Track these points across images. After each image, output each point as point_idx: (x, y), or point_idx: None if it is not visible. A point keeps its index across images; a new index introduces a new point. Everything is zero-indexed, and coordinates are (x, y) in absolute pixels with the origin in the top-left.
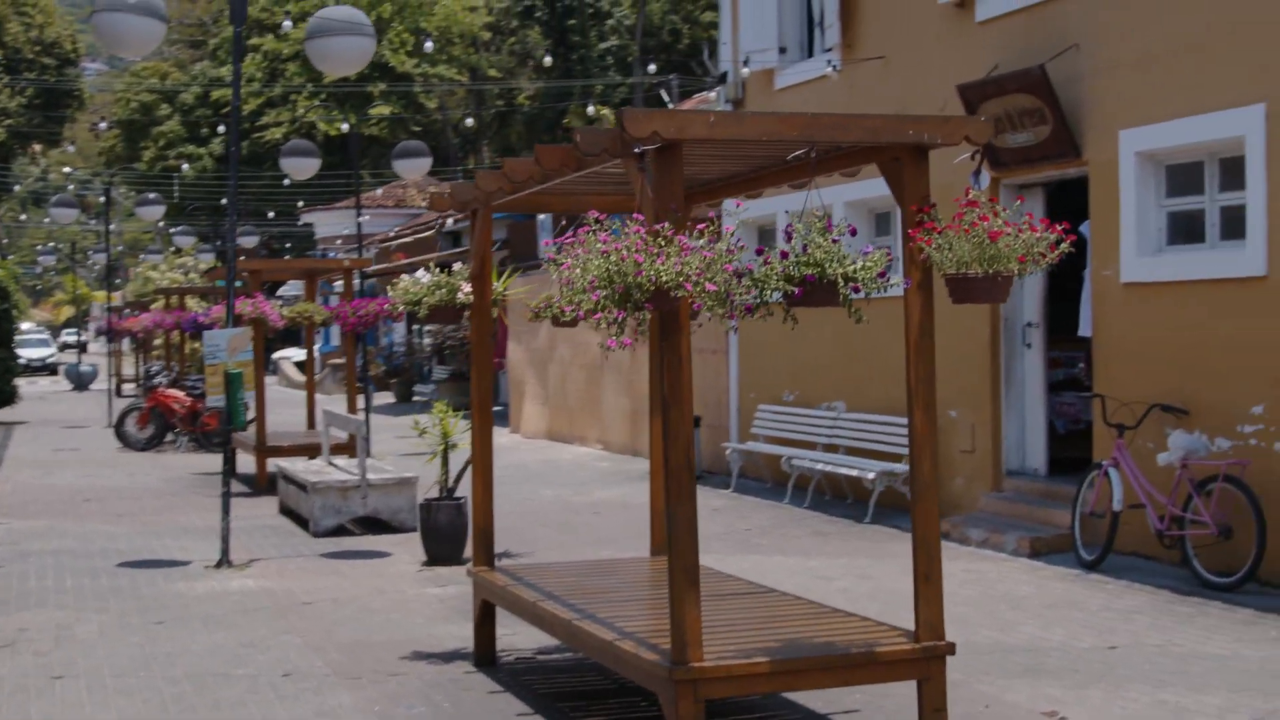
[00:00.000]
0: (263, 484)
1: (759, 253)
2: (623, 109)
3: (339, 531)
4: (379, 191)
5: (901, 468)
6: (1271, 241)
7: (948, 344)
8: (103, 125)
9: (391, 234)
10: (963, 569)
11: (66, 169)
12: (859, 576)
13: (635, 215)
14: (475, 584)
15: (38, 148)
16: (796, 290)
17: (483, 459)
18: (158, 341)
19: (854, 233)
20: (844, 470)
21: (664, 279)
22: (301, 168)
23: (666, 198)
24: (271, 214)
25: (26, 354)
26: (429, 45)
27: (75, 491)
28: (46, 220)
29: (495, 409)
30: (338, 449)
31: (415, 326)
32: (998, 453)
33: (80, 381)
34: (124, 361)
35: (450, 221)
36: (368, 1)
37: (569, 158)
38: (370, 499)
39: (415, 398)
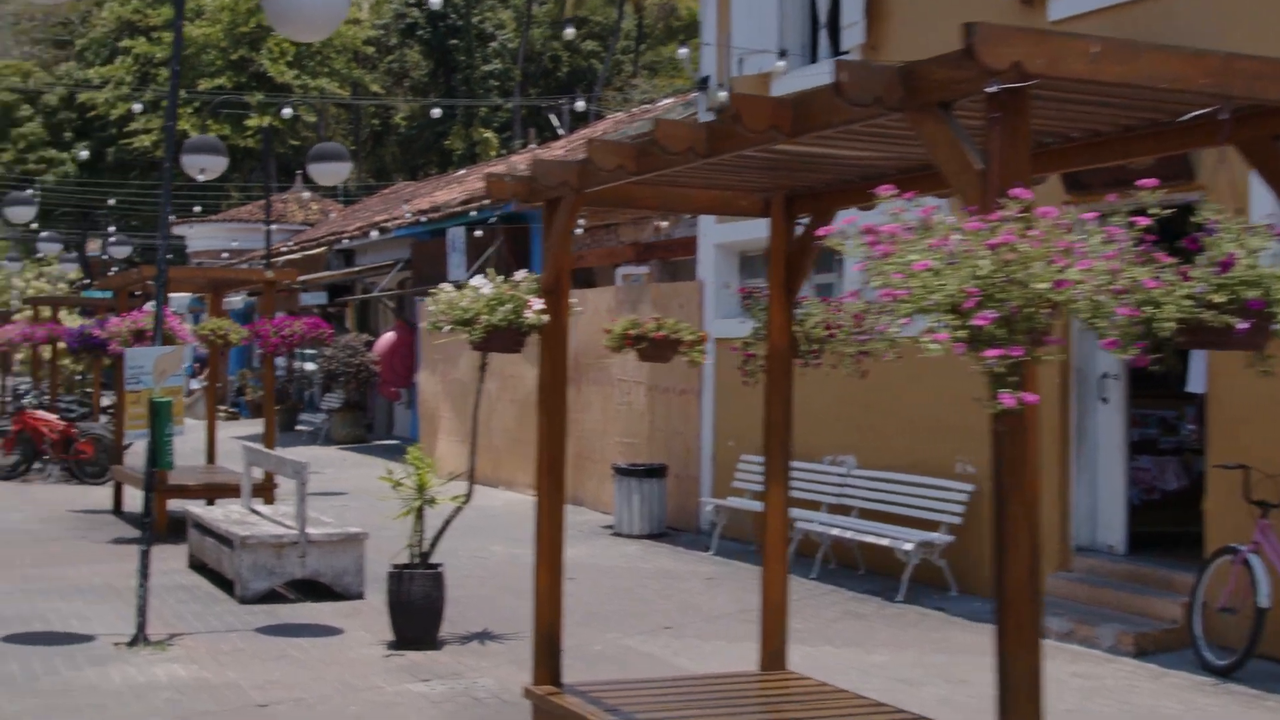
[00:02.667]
0: (161, 529)
1: (1148, 261)
2: (973, 24)
3: (270, 596)
4: (244, 208)
5: (942, 538)
6: None
7: None
8: None
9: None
10: (1069, 671)
11: None
12: (946, 679)
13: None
14: (537, 711)
15: None
16: (1239, 324)
17: (551, 540)
18: (20, 357)
19: None
20: (869, 538)
21: (1068, 294)
22: (208, 165)
23: (1015, 167)
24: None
25: None
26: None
27: None
28: None
29: (389, 441)
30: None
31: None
32: (1065, 525)
33: None
34: None
35: (346, 240)
36: (247, 9)
37: (724, 136)
38: (310, 558)
39: (300, 426)
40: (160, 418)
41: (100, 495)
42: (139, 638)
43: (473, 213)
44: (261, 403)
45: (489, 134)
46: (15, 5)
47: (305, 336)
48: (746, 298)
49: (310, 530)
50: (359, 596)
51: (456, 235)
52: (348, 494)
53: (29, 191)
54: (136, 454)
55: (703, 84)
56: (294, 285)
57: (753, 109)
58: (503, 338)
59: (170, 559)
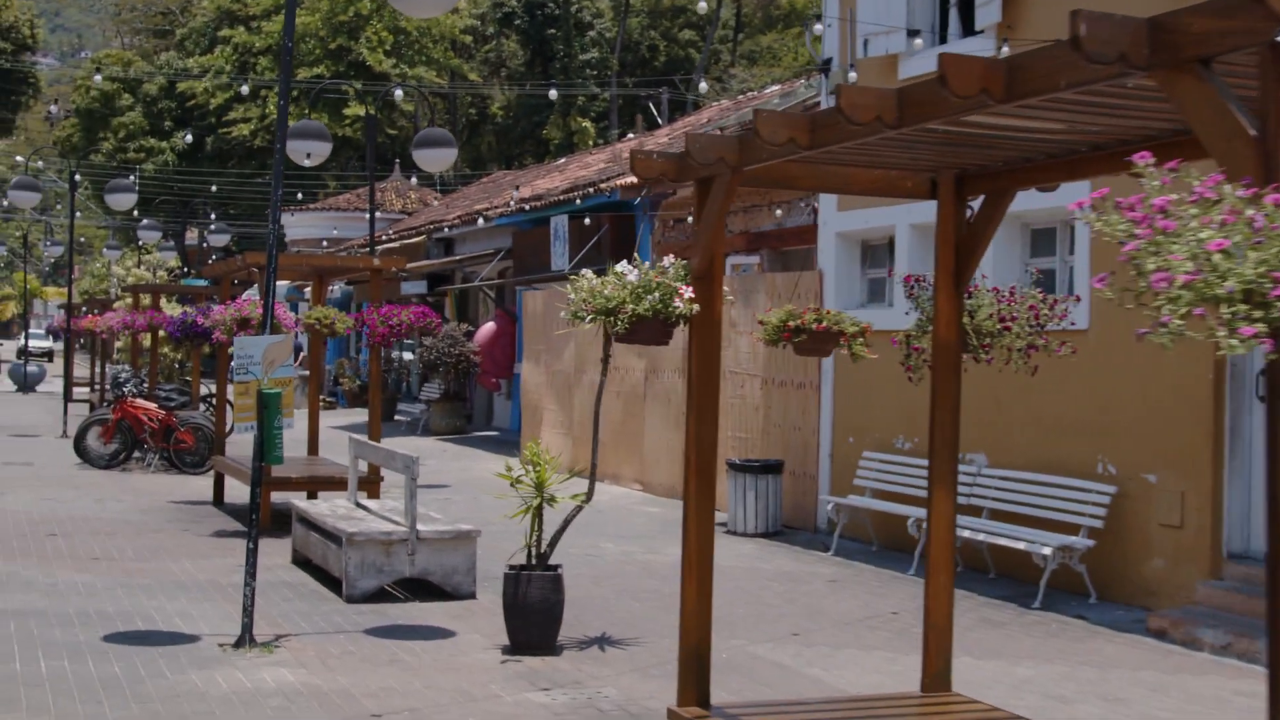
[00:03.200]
0: (265, 523)
1: None
2: None
3: (379, 595)
4: (343, 196)
5: (1082, 542)
6: None
7: (1149, 393)
8: (54, 108)
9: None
10: (1231, 689)
11: (19, 158)
12: (1101, 697)
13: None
14: None
15: None
16: None
17: (700, 550)
18: (119, 345)
19: None
20: (1002, 540)
21: None
22: (314, 149)
23: None
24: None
25: None
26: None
27: (35, 522)
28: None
29: (488, 433)
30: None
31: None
32: (1217, 530)
33: (26, 383)
34: (76, 364)
35: (447, 228)
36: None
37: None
38: (420, 556)
39: (398, 417)
40: (269, 410)
41: (200, 485)
42: (245, 638)
43: (577, 201)
44: (359, 392)
45: (587, 123)
46: None
47: (413, 326)
48: (911, 287)
49: (420, 527)
50: (470, 596)
51: (560, 224)
52: (450, 486)
53: (129, 179)
54: (236, 444)
55: (825, 67)
56: (400, 274)
57: (962, 71)
58: (649, 329)
59: (273, 554)
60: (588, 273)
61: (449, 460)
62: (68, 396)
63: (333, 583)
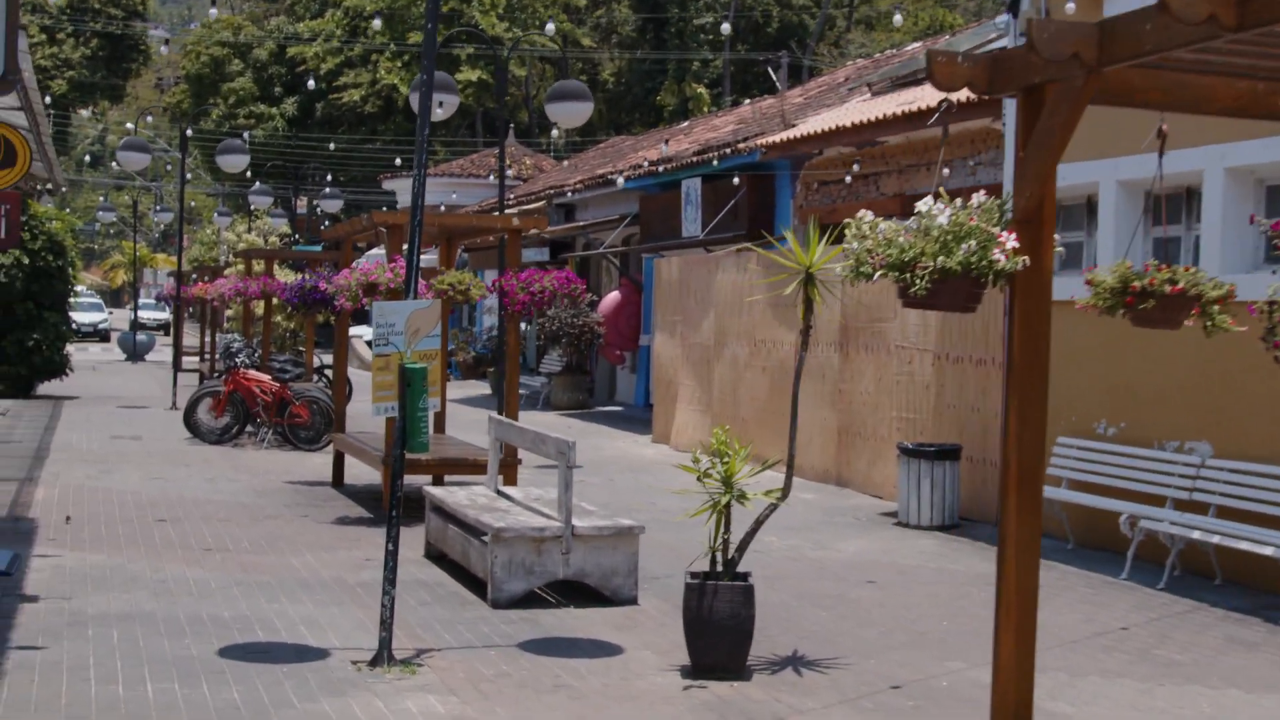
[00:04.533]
0: (387, 509)
1: None
2: None
3: (528, 599)
4: (456, 162)
5: None
6: None
7: None
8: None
9: (479, 207)
10: None
11: (129, 125)
12: None
13: None
14: None
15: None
16: None
17: (1022, 593)
18: (230, 313)
19: None
20: (1243, 544)
21: None
22: (445, 101)
23: None
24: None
25: (78, 318)
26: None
27: (143, 504)
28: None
29: (612, 408)
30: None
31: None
32: None
33: (135, 351)
34: (186, 333)
35: (570, 193)
36: None
37: None
38: (575, 556)
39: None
40: (413, 388)
41: (318, 463)
42: (383, 655)
43: (714, 162)
44: (473, 364)
45: (701, 89)
46: None
47: (556, 293)
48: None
49: (576, 522)
50: (631, 602)
51: (692, 187)
52: (581, 467)
53: (241, 140)
54: (355, 419)
55: (1014, 5)
56: (543, 234)
57: None
58: (953, 290)
59: (403, 546)
60: (867, 214)
61: (576, 437)
62: (177, 367)
63: (473, 582)
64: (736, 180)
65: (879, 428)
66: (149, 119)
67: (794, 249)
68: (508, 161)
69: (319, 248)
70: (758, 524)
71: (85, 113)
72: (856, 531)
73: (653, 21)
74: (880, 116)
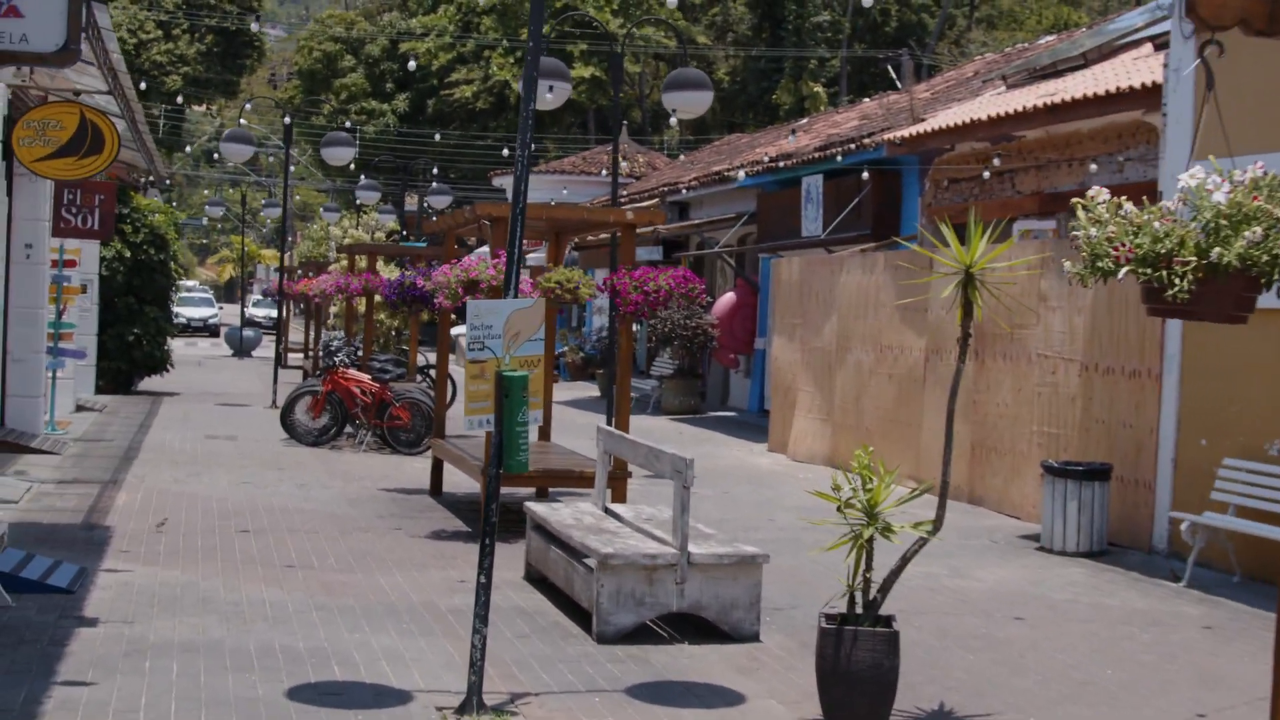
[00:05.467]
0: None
1: None
2: None
3: (638, 633)
4: (568, 160)
5: None
6: None
7: None
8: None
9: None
10: None
11: (242, 122)
12: None
13: None
14: None
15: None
16: None
17: None
18: (334, 310)
19: None
20: None
21: None
22: (556, 87)
23: None
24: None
25: (188, 313)
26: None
27: (228, 512)
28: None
29: (725, 413)
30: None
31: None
32: None
33: (241, 347)
34: (291, 329)
35: (684, 190)
36: None
37: None
38: (690, 585)
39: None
40: (511, 398)
41: (416, 469)
42: (471, 702)
43: (838, 157)
44: (581, 365)
45: (819, 88)
46: None
47: (673, 293)
48: None
49: (693, 549)
50: (753, 638)
51: (813, 184)
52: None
53: (347, 133)
54: (456, 419)
55: None
56: (659, 231)
57: None
58: (1222, 292)
59: (501, 565)
60: (1103, 192)
61: (688, 445)
62: (278, 364)
63: (577, 611)
64: (866, 175)
65: (1017, 443)
66: (249, 106)
67: (953, 245)
68: (621, 159)
69: (425, 244)
70: (904, 561)
71: (199, 109)
72: (996, 557)
73: (769, 19)
74: (1020, 109)
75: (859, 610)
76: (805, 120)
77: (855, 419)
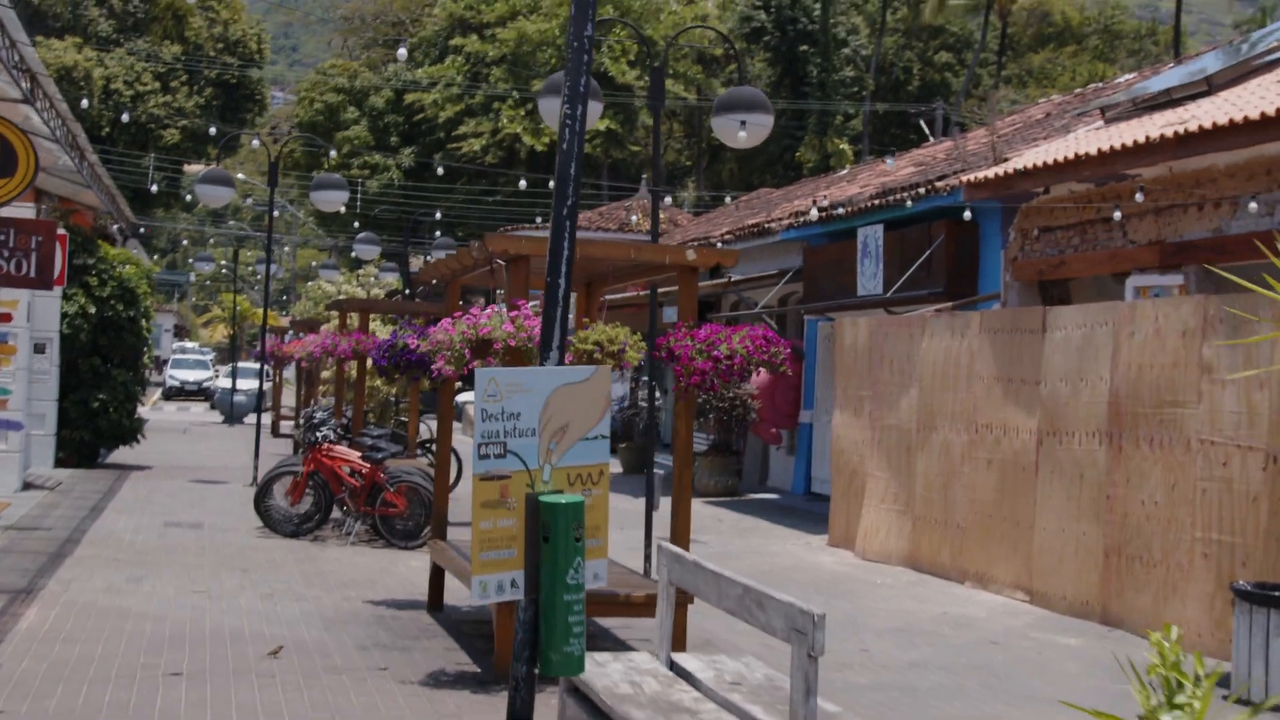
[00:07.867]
0: (504, 666)
1: None
2: None
3: None
4: (583, 215)
5: None
6: None
7: None
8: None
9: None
10: None
11: (240, 177)
12: None
13: None
14: None
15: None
16: None
17: None
18: (326, 374)
19: None
20: None
21: None
22: (591, 110)
23: None
24: (460, 234)
25: (180, 375)
26: None
27: (160, 642)
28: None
29: (765, 495)
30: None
31: (641, 377)
32: None
33: (232, 414)
34: (284, 393)
35: (719, 243)
36: None
37: None
38: None
39: (654, 470)
40: (556, 544)
41: (413, 570)
42: None
43: (908, 202)
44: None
45: (844, 145)
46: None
47: (749, 359)
48: None
49: None
50: None
51: (871, 236)
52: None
53: (338, 176)
54: (461, 500)
55: None
56: (728, 276)
57: None
58: None
59: None
60: None
61: (731, 536)
62: (260, 436)
63: None
64: (953, 215)
65: (1173, 552)
66: (256, 144)
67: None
68: (640, 215)
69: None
70: None
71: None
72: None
73: (789, 75)
74: (1144, 139)
75: None
76: (847, 170)
77: (943, 513)
